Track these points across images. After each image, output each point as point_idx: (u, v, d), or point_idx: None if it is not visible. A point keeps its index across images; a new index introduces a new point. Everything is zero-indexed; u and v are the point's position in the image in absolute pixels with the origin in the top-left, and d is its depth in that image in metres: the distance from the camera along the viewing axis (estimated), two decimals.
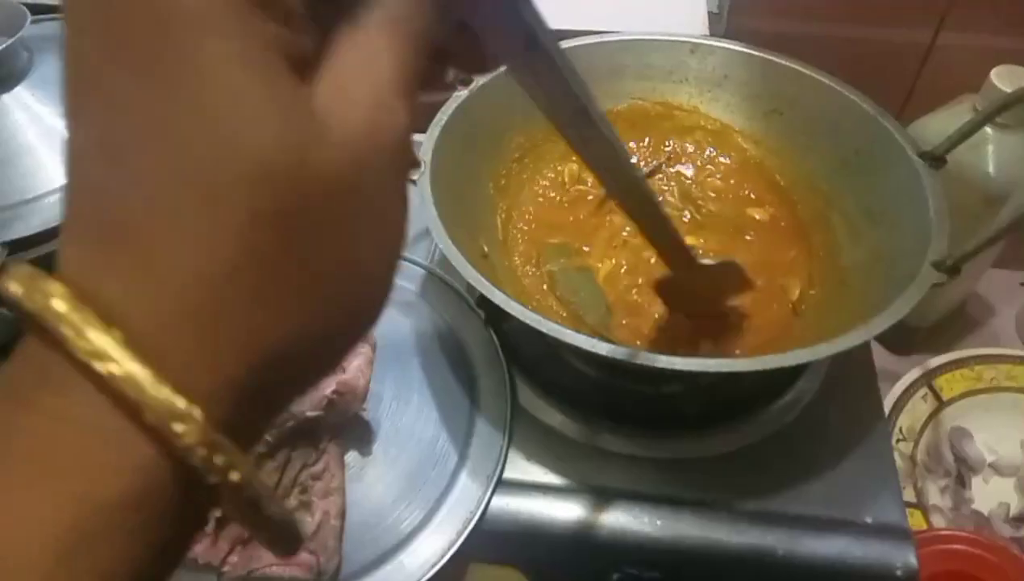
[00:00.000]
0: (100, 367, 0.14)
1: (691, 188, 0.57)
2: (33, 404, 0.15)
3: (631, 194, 0.34)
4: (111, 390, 0.14)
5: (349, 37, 0.17)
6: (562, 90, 0.25)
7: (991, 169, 0.54)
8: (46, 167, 0.49)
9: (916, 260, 0.44)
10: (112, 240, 0.15)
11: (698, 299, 0.46)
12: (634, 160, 0.59)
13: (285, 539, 0.17)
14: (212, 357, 0.15)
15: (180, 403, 0.15)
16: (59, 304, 0.14)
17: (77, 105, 0.16)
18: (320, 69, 0.17)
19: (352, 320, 0.18)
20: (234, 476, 0.15)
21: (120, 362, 0.14)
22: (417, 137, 0.50)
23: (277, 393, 0.17)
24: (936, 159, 0.48)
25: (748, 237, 0.53)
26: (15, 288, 0.15)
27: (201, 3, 0.14)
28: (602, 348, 0.38)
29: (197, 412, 0.15)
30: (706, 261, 0.42)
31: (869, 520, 0.44)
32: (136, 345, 0.15)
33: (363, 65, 0.17)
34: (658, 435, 0.48)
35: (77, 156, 0.16)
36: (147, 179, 0.15)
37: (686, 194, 0.57)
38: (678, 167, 0.58)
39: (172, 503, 0.15)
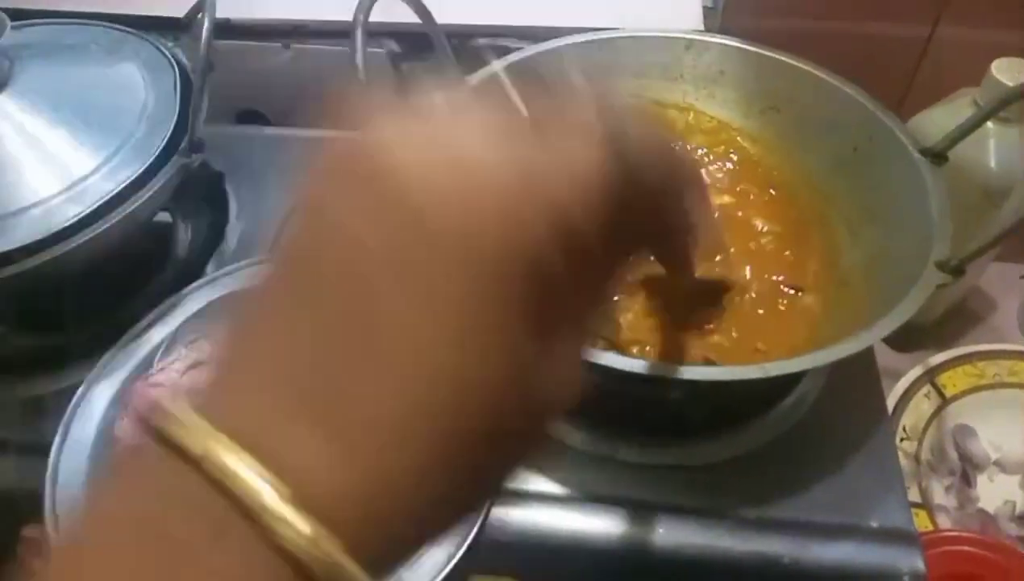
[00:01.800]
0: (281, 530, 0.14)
1: None
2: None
3: None
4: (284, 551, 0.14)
5: None
6: None
7: (992, 164, 0.53)
8: (28, 179, 0.48)
9: (918, 260, 0.43)
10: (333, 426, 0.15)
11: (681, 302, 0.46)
12: None
13: None
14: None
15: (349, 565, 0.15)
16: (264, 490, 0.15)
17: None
18: None
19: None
20: None
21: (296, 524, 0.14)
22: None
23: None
24: (937, 156, 0.47)
25: (748, 237, 0.53)
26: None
27: None
28: (603, 359, 0.37)
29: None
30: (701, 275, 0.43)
31: (875, 524, 0.44)
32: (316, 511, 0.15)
33: None
34: (660, 441, 0.47)
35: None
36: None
37: None
38: None
39: None
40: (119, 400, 0.44)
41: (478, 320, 0.16)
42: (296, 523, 0.14)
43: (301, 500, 0.14)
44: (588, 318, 0.20)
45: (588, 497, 0.45)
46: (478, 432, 0.16)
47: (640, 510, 0.44)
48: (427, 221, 0.16)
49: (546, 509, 0.45)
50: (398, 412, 0.15)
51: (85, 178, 0.48)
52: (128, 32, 0.60)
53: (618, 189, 0.18)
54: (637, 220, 0.20)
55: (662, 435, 0.47)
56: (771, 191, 0.55)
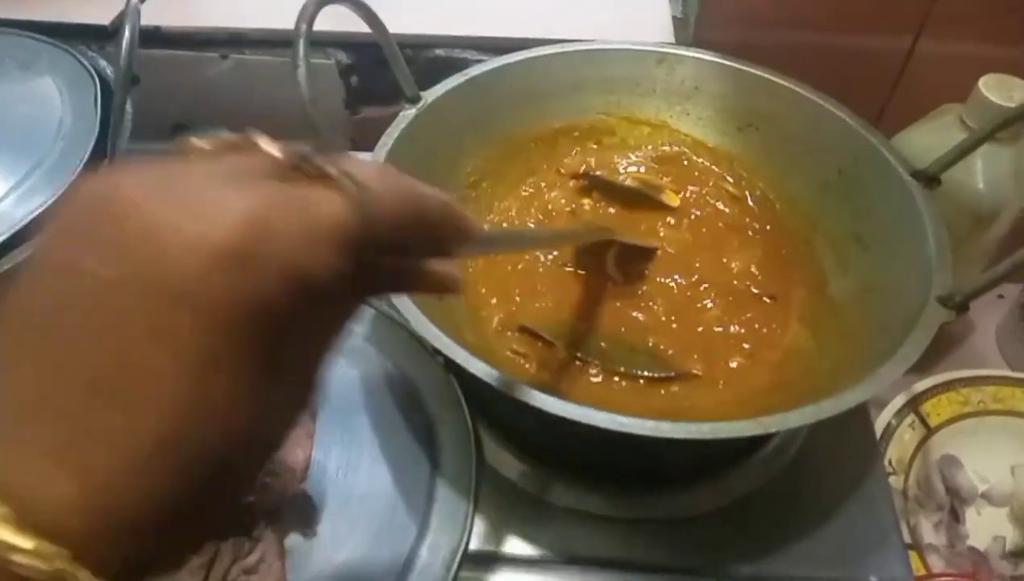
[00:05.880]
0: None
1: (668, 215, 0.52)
2: None
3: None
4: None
5: None
6: None
7: (981, 185, 0.50)
8: None
9: (915, 292, 0.40)
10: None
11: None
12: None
13: None
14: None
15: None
16: None
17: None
18: None
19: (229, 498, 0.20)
20: None
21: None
22: (362, 156, 0.44)
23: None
24: (930, 179, 0.44)
25: (727, 264, 0.49)
26: None
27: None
28: (579, 414, 0.33)
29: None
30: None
31: (874, 579, 0.40)
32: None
33: None
34: (640, 493, 0.43)
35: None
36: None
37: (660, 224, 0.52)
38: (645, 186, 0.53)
39: None
40: None
41: (211, 359, 0.17)
42: (17, 540, 0.15)
43: (24, 517, 0.16)
44: (323, 353, 0.20)
45: (563, 558, 0.41)
46: (209, 457, 0.17)
47: (620, 571, 0.40)
48: (158, 262, 0.16)
49: (517, 573, 0.40)
50: (132, 439, 0.16)
51: None
52: (45, 42, 0.55)
53: (356, 238, 0.19)
54: (376, 267, 0.21)
55: (642, 486, 0.43)
56: (752, 214, 0.52)
